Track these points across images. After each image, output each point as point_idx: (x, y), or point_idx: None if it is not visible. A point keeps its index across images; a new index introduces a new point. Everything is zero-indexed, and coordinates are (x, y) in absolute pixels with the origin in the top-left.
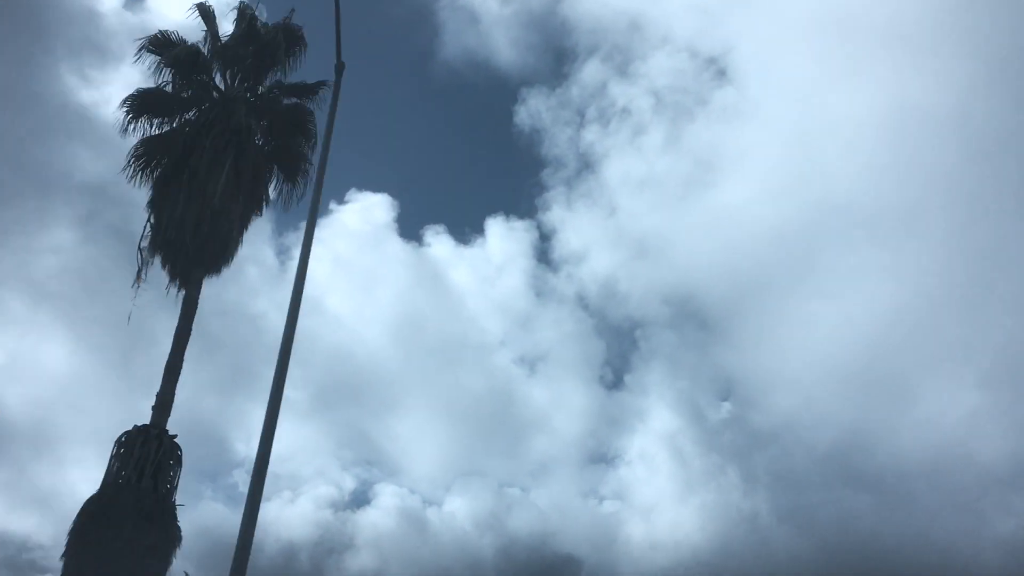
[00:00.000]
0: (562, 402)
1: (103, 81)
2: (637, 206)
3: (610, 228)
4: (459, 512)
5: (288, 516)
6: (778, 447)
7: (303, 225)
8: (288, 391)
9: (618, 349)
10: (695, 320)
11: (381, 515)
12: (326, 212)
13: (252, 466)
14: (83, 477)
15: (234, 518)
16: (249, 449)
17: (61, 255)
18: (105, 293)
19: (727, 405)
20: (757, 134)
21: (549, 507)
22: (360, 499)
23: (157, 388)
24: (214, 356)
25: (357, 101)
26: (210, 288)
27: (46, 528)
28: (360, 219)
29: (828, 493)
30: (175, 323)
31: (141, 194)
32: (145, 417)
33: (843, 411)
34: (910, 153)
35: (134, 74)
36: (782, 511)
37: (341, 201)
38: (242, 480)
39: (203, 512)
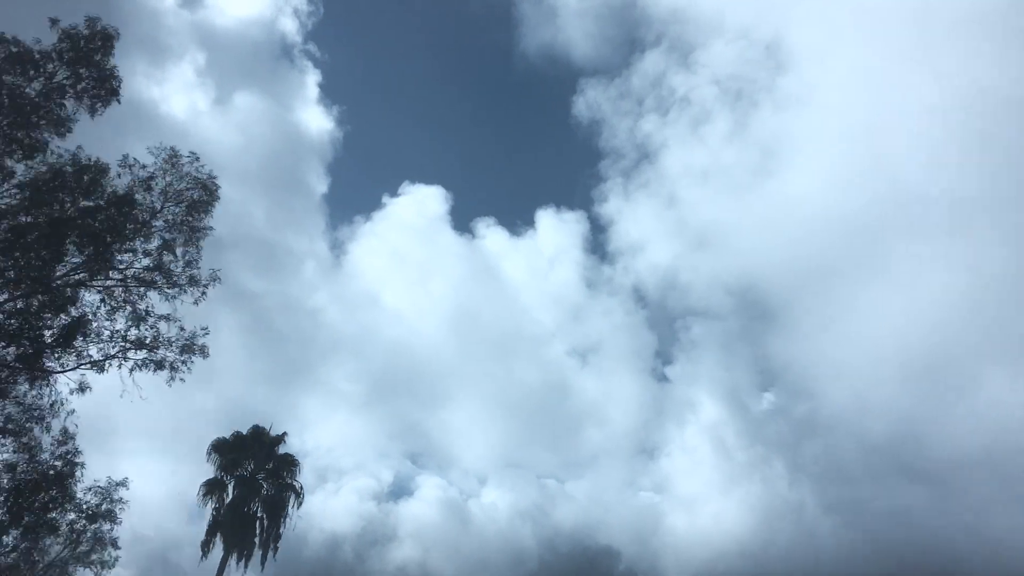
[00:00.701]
0: (613, 394)
1: (162, 78)
2: (697, 196)
3: (669, 219)
4: (502, 504)
5: (332, 508)
6: (830, 438)
7: (357, 219)
8: (344, 384)
9: (671, 341)
10: (754, 311)
11: (424, 506)
12: (379, 206)
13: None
14: (135, 470)
15: None
16: (303, 442)
17: None
18: None
19: (769, 396)
20: (821, 122)
21: (593, 499)
22: (403, 491)
23: (213, 384)
24: (273, 350)
25: (421, 94)
26: (273, 284)
27: None
28: (414, 212)
29: (879, 484)
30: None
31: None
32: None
33: (900, 401)
34: (982, 141)
35: (190, 71)
36: (830, 503)
37: (394, 194)
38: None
39: None
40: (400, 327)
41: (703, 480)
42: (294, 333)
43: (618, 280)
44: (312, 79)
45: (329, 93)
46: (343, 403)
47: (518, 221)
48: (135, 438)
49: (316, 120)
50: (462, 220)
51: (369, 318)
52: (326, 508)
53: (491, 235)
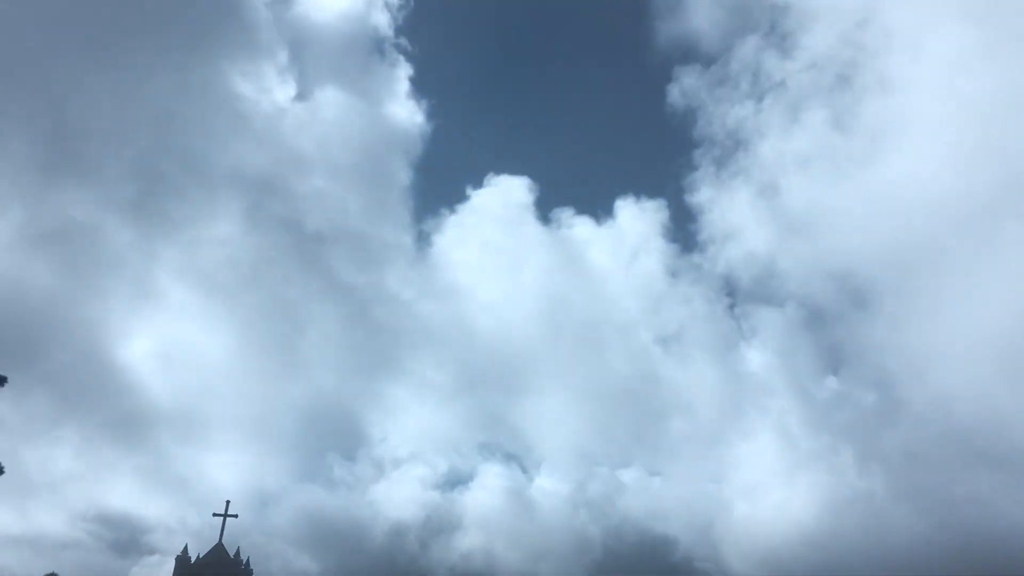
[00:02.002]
0: (694, 384)
1: (256, 74)
2: (794, 183)
3: (761, 206)
4: (570, 492)
5: (396, 496)
6: (907, 424)
7: (443, 211)
8: (431, 373)
9: (754, 328)
10: (850, 298)
11: (491, 495)
12: (464, 198)
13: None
14: (220, 462)
15: (333, 501)
16: (383, 430)
17: (227, 247)
18: (268, 282)
19: (833, 381)
20: (926, 104)
21: (665, 489)
22: (467, 478)
23: (310, 377)
24: (362, 341)
25: (508, 85)
26: (365, 276)
27: (176, 512)
28: (499, 203)
29: (956, 472)
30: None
31: (304, 184)
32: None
33: (991, 388)
34: None
35: (280, 67)
36: (903, 490)
37: (479, 185)
38: (336, 463)
39: (301, 495)
40: (485, 317)
41: (766, 468)
42: (383, 324)
43: (707, 268)
44: (403, 73)
45: (419, 87)
46: (427, 392)
47: (598, 211)
48: (224, 433)
49: (406, 114)
50: (544, 210)
51: (454, 308)
52: (390, 497)
53: (575, 224)
